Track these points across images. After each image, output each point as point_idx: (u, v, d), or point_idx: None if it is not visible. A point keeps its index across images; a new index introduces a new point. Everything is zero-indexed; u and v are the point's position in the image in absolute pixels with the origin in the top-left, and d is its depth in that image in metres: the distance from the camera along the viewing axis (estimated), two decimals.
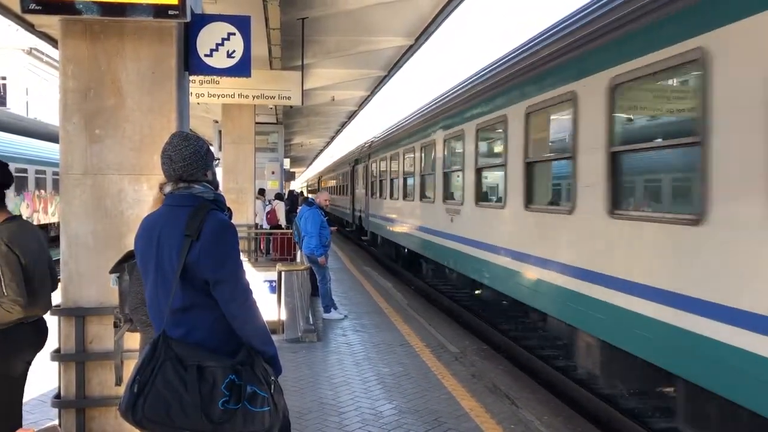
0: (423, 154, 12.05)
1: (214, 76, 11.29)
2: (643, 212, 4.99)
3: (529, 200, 6.90)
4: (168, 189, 2.74)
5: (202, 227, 2.57)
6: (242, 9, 8.68)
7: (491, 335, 9.40)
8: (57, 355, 4.30)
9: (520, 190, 7.02)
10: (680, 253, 4.30)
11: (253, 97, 13.19)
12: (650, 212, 4.96)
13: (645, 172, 5.36)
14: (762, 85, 3.57)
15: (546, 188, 7.07)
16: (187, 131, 3.81)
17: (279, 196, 18.61)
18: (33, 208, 21.89)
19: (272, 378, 2.63)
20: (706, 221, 4.01)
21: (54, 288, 3.78)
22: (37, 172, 22.38)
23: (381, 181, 16.89)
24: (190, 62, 4.55)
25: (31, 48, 33.73)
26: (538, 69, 6.66)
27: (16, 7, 4.39)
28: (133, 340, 3.59)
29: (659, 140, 5.07)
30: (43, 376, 4.75)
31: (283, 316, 8.74)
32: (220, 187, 3.19)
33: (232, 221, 2.80)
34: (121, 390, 2.64)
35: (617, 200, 5.11)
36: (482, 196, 8.83)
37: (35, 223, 21.61)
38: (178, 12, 3.99)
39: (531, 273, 6.85)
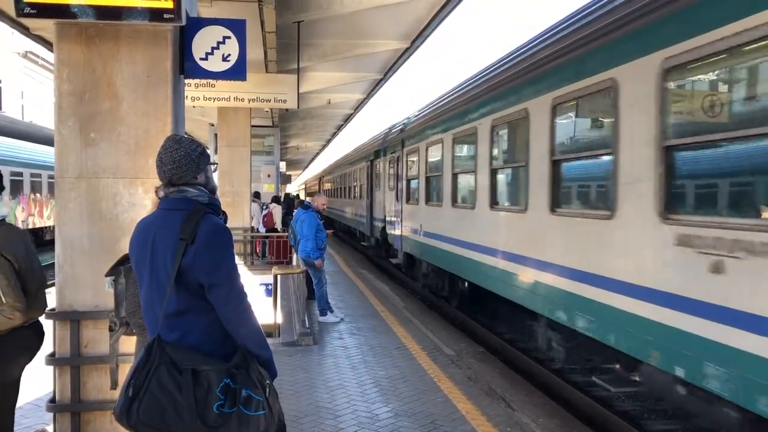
0: (515, 133, 7.58)
1: (210, 80, 11.27)
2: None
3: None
4: (162, 193, 2.74)
5: (196, 231, 2.56)
6: (238, 12, 8.70)
7: (487, 338, 9.41)
8: (52, 359, 4.28)
9: None
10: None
11: (249, 101, 13.18)
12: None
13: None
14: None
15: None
16: (183, 134, 3.80)
17: (276, 200, 18.62)
18: (28, 212, 21.85)
19: (267, 381, 2.62)
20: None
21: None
22: (33, 175, 22.34)
23: (429, 178, 11.43)
24: (186, 66, 4.54)
25: (26, 51, 33.62)
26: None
27: (11, 11, 4.37)
28: (128, 344, 3.58)
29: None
30: (37, 380, 4.73)
31: (279, 320, 8.76)
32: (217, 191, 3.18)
33: (227, 224, 2.79)
34: (116, 394, 2.63)
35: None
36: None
37: (31, 226, 21.57)
38: (173, 15, 3.98)
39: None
